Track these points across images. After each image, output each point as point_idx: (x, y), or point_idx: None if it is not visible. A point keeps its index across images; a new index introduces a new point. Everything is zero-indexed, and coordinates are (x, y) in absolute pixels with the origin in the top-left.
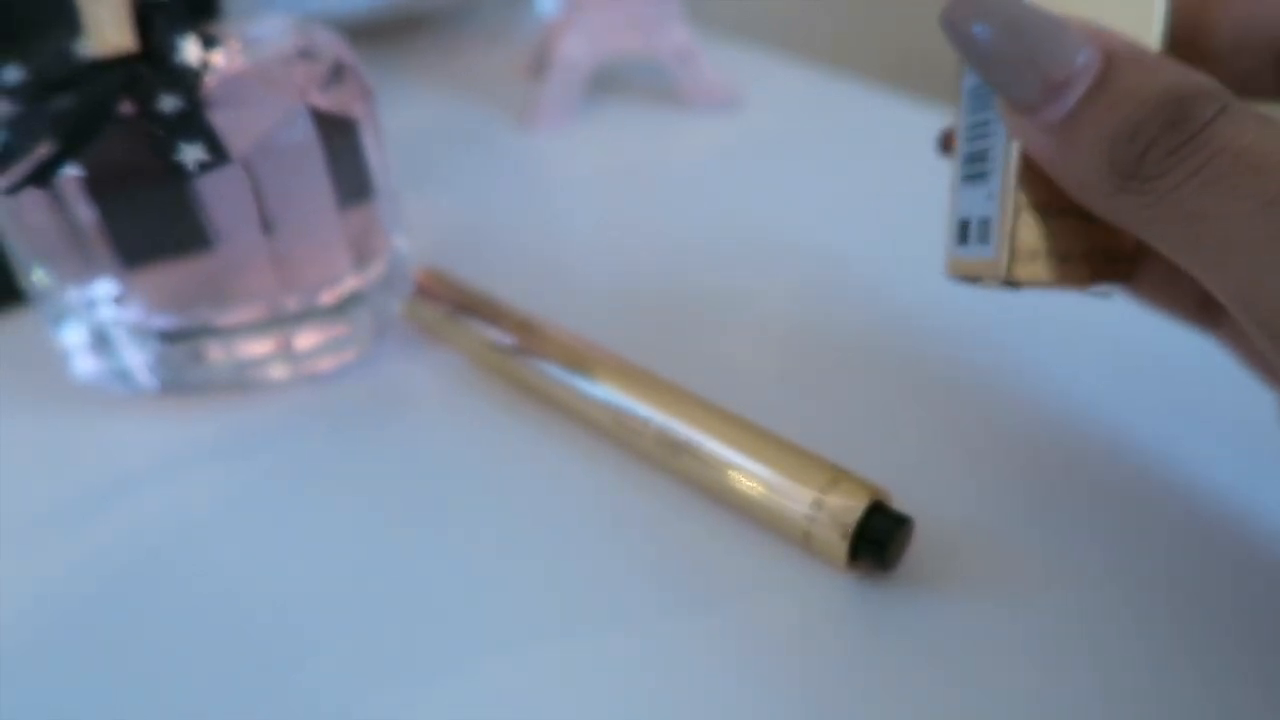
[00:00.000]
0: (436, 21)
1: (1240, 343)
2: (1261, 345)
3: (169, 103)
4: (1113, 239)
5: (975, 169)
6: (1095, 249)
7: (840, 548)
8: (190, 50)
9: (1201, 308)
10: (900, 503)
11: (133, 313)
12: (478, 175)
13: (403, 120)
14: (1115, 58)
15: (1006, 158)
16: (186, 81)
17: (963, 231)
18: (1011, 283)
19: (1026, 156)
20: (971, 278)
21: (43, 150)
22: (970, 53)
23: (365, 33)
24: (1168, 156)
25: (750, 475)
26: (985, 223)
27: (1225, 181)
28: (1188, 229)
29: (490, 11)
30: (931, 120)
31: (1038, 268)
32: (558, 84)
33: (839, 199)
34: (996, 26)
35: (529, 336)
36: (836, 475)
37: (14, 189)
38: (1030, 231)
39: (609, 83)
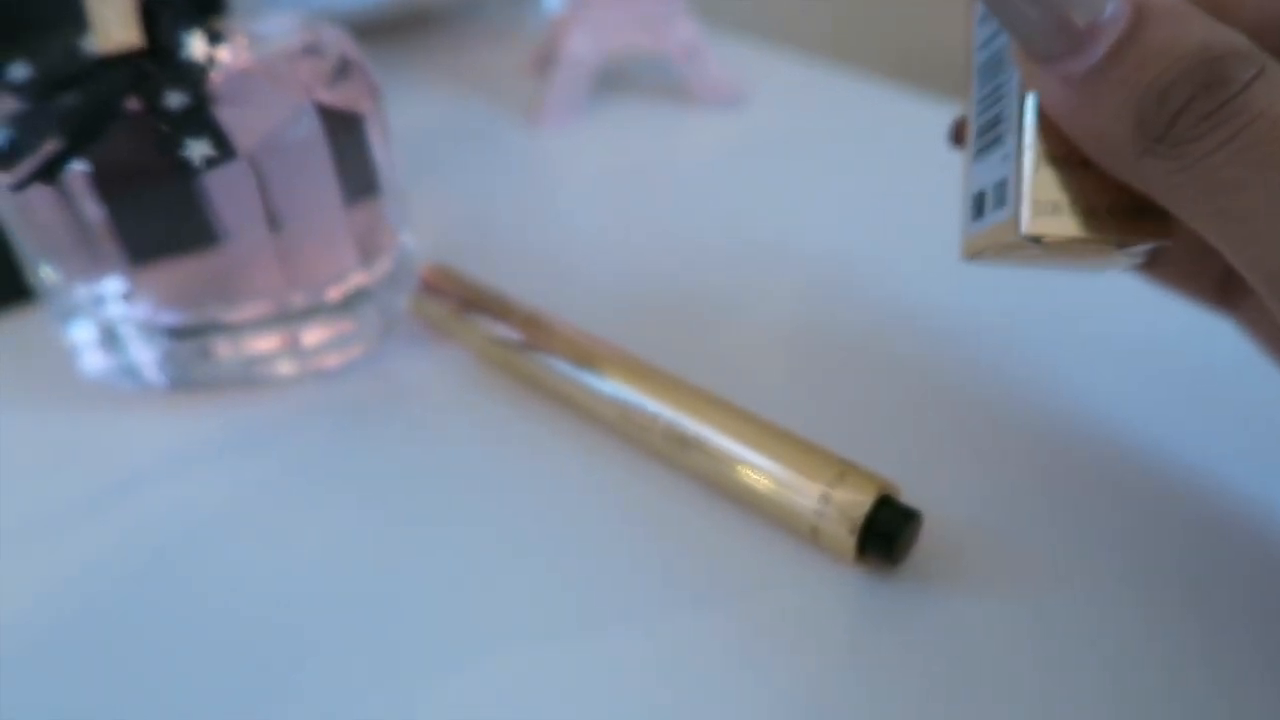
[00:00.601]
0: (443, 18)
1: (1261, 327)
2: None
3: (175, 99)
4: (1142, 194)
5: (989, 138)
6: (1121, 204)
7: (848, 542)
8: (196, 46)
9: (1221, 288)
10: (908, 500)
11: (140, 309)
12: (484, 172)
13: (409, 117)
14: (1146, 8)
15: (1021, 109)
16: (193, 78)
17: (978, 205)
18: (1033, 238)
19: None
20: (989, 250)
21: (50, 147)
22: None
23: (371, 29)
24: (1201, 121)
25: (758, 470)
26: (1002, 185)
27: (1260, 149)
28: (1217, 198)
29: (496, 8)
30: (939, 116)
31: (1060, 222)
32: (564, 81)
33: (846, 195)
34: None
35: (536, 332)
36: (844, 469)
37: (21, 186)
38: (1049, 183)
39: (615, 80)
